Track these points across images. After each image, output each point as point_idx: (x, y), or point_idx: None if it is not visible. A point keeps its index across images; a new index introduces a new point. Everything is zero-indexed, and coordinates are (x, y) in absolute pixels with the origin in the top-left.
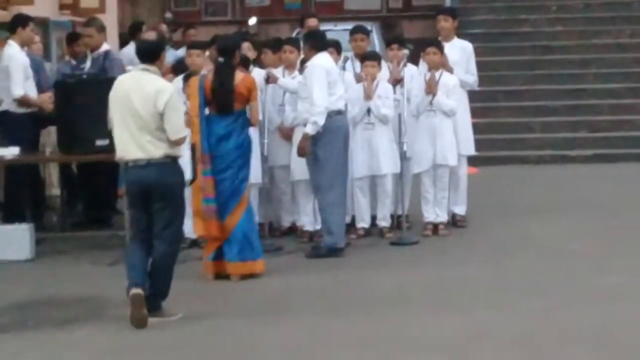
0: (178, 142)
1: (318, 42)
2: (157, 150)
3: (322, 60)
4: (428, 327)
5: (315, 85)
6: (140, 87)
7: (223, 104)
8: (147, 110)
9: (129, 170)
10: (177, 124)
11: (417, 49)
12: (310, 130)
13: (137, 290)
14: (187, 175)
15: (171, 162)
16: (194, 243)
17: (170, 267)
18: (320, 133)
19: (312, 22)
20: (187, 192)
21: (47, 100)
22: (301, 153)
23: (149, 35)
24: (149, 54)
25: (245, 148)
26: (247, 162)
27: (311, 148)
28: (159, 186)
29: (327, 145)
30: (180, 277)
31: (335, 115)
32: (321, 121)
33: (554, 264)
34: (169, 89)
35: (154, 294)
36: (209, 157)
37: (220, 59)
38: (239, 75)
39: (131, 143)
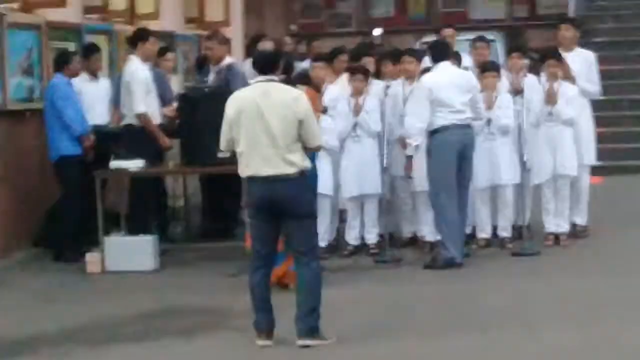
0: (317, 149)
1: (437, 53)
2: (289, 168)
3: (431, 75)
4: (548, 342)
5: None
6: (273, 97)
7: None
8: (284, 119)
9: (258, 184)
10: (316, 130)
11: (542, 58)
12: (408, 151)
13: (266, 343)
14: (328, 187)
15: (303, 176)
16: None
17: (319, 285)
18: (428, 150)
19: (447, 32)
20: None
21: (169, 115)
22: (406, 175)
23: (266, 45)
24: (268, 64)
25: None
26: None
27: (427, 162)
28: (292, 203)
29: (434, 161)
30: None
31: (446, 130)
32: (414, 142)
33: None
34: (304, 95)
35: (307, 315)
36: None
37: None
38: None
39: (262, 160)
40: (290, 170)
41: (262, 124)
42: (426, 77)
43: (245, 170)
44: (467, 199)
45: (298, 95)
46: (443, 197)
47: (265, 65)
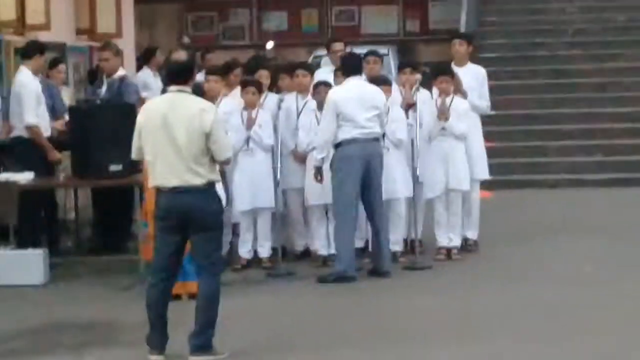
0: (225, 162)
1: (349, 68)
2: (196, 178)
3: (338, 89)
4: (439, 357)
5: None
6: (180, 108)
7: None
8: (191, 131)
9: (165, 195)
10: (224, 143)
11: (434, 73)
12: (315, 162)
13: (158, 358)
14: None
15: (210, 188)
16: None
17: (218, 300)
18: (333, 161)
19: (338, 46)
20: None
21: (60, 128)
22: (315, 181)
23: (179, 55)
24: (182, 74)
25: None
26: None
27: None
28: (199, 214)
29: (336, 175)
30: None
31: (349, 144)
32: (319, 155)
33: (568, 289)
34: (213, 107)
35: (201, 331)
36: None
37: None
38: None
39: (168, 171)
40: (197, 181)
41: (167, 134)
42: (333, 91)
43: (152, 180)
44: (379, 212)
45: (206, 107)
46: (342, 209)
47: (179, 75)
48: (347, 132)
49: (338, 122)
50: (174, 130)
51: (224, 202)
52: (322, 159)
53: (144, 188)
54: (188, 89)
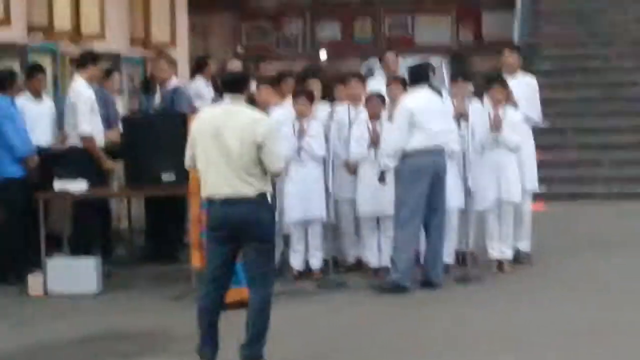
0: (277, 173)
1: (416, 77)
2: (249, 188)
3: (412, 98)
4: None
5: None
6: (233, 119)
7: None
8: (243, 141)
9: (217, 206)
10: (277, 155)
11: (486, 83)
12: (382, 166)
13: None
14: None
15: (263, 199)
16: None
17: (269, 311)
18: (399, 171)
19: (390, 56)
20: None
21: (113, 139)
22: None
23: (234, 64)
24: (237, 85)
25: None
26: None
27: (395, 184)
28: (251, 225)
29: (403, 184)
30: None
31: (419, 155)
32: (390, 163)
33: (620, 305)
34: (266, 118)
35: (252, 341)
36: None
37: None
38: None
39: (221, 180)
40: (250, 191)
41: (220, 144)
42: (407, 100)
43: (204, 189)
44: (441, 224)
45: (259, 118)
46: (406, 219)
47: (233, 85)
48: (418, 142)
49: (410, 132)
50: (227, 140)
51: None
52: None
53: (189, 197)
54: (242, 99)
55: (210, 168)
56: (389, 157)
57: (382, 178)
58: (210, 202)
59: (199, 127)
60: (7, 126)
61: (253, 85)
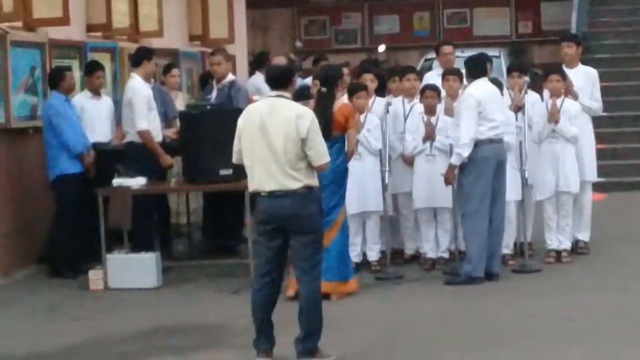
0: (322, 168)
1: (474, 70)
2: (294, 183)
3: (477, 88)
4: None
5: (463, 116)
6: (277, 114)
7: (321, 130)
8: (287, 136)
9: (264, 200)
10: (321, 149)
11: (545, 75)
12: (454, 160)
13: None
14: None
15: (309, 192)
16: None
17: (320, 304)
18: (466, 162)
19: (447, 49)
20: None
21: (172, 136)
22: (446, 182)
23: (279, 60)
24: (281, 80)
25: (339, 173)
26: (340, 187)
27: (459, 176)
28: (298, 218)
29: (470, 175)
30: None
31: (484, 145)
32: (465, 153)
33: None
34: (310, 113)
35: (306, 336)
36: None
37: (323, 89)
38: (337, 103)
39: (266, 175)
40: (295, 185)
41: (265, 139)
42: (474, 90)
43: (250, 184)
44: (501, 214)
45: (303, 113)
46: (474, 210)
47: (277, 80)
48: (484, 132)
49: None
50: (271, 135)
51: None
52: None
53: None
54: (287, 94)
55: (256, 163)
56: (465, 146)
57: (451, 173)
58: (258, 196)
59: (244, 122)
60: (61, 124)
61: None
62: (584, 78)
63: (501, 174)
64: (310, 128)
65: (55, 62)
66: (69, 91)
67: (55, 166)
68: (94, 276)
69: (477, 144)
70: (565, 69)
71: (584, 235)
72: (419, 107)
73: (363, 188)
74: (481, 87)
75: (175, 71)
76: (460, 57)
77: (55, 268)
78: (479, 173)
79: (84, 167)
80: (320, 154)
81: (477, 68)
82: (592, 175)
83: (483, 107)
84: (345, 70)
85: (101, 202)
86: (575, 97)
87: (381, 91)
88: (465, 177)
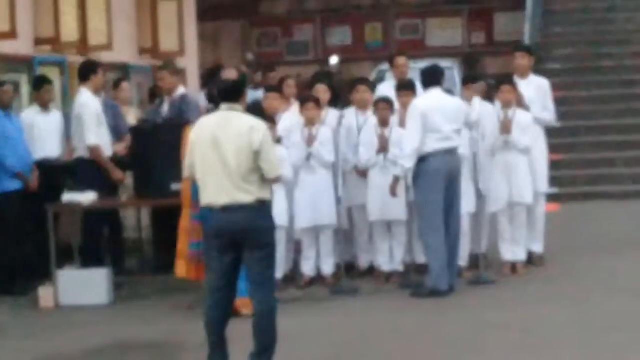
0: (275, 180)
1: (429, 79)
2: (247, 196)
3: (423, 99)
4: None
5: (408, 127)
6: (229, 127)
7: None
8: (240, 149)
9: (216, 214)
10: (273, 162)
11: (496, 85)
12: (397, 172)
13: None
14: (282, 218)
15: (262, 206)
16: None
17: (274, 319)
18: (417, 176)
19: (401, 60)
20: None
21: (121, 152)
22: (392, 194)
23: (230, 73)
24: (233, 93)
25: None
26: None
27: (413, 190)
28: (251, 232)
29: (421, 189)
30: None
31: (433, 157)
32: (407, 164)
33: (635, 304)
34: (263, 125)
35: (261, 351)
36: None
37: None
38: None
39: (219, 189)
40: (248, 199)
41: (217, 152)
42: (418, 102)
43: (202, 198)
44: (457, 226)
45: (255, 125)
46: (429, 224)
47: (229, 93)
48: (432, 145)
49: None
50: (224, 148)
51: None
52: (406, 169)
53: (182, 207)
54: (239, 107)
55: (208, 177)
56: (407, 158)
57: (395, 185)
58: (210, 210)
59: (196, 136)
60: None
61: (261, 94)
62: (535, 89)
63: (455, 186)
64: (263, 140)
65: (3, 76)
66: (4, 106)
67: None
68: (44, 293)
69: (427, 156)
70: (517, 80)
71: (538, 247)
72: (372, 119)
73: (316, 201)
74: (428, 98)
75: (125, 85)
76: (413, 68)
77: (2, 286)
78: (430, 186)
79: (24, 184)
80: (274, 166)
81: (432, 78)
82: (545, 186)
83: (429, 119)
84: (291, 82)
85: (51, 218)
86: (527, 109)
87: (334, 103)
88: (417, 191)
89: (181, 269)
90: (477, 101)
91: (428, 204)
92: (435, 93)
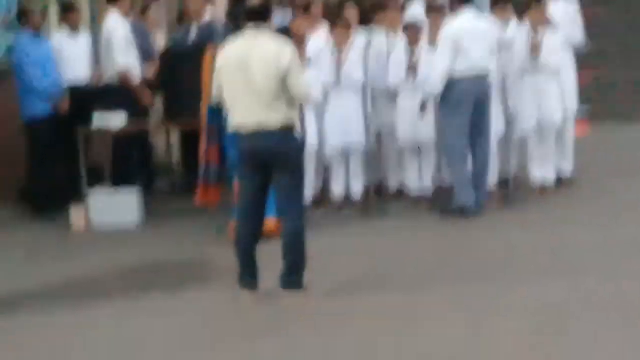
0: (305, 100)
1: (457, 1)
2: (275, 119)
3: (456, 21)
4: (534, 294)
5: (438, 50)
6: (257, 50)
7: None
8: (269, 71)
9: (244, 138)
10: (302, 84)
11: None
12: (424, 95)
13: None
14: (312, 140)
15: (290, 129)
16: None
17: (304, 240)
18: (445, 97)
19: None
20: None
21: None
22: (420, 118)
23: None
24: (260, 14)
25: None
26: None
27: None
28: (279, 154)
29: (446, 110)
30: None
31: (462, 81)
32: (435, 89)
33: None
34: (290, 48)
35: (291, 271)
36: (215, 127)
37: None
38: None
39: (247, 112)
40: (276, 122)
41: (245, 76)
42: (451, 25)
43: (232, 121)
44: (485, 150)
45: (283, 48)
46: (452, 146)
47: (256, 14)
48: (461, 69)
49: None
50: (252, 71)
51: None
52: (434, 94)
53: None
54: (266, 27)
55: (237, 100)
56: (436, 83)
57: (423, 107)
58: (238, 134)
59: (224, 59)
60: (26, 65)
61: (289, 14)
62: (564, 10)
63: (483, 110)
64: (291, 63)
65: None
66: (36, 29)
67: (25, 108)
68: (76, 214)
69: (455, 81)
70: (546, 1)
71: (568, 167)
72: (402, 41)
73: (345, 123)
74: (461, 21)
75: (153, 8)
76: None
77: (36, 209)
78: (455, 109)
79: (55, 109)
80: (303, 88)
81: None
82: (574, 105)
83: (461, 43)
84: (318, 2)
85: (82, 141)
86: (555, 29)
87: (364, 24)
88: (442, 114)
89: (201, 194)
90: (514, 23)
91: (450, 126)
92: (467, 16)
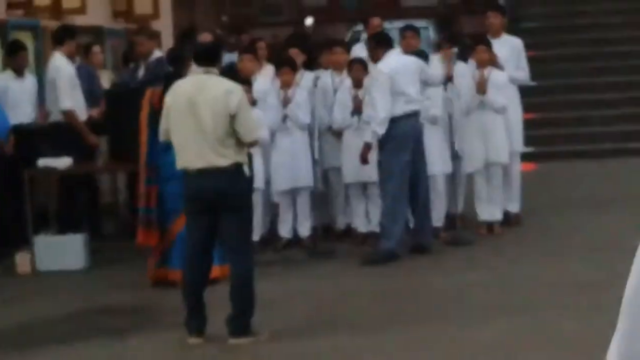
0: (253, 144)
1: (383, 42)
2: (223, 160)
3: (386, 62)
4: (486, 332)
5: (377, 92)
6: (206, 90)
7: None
8: (217, 113)
9: (192, 178)
10: (250, 125)
11: (470, 46)
12: (369, 138)
13: (197, 341)
14: (259, 181)
15: (238, 169)
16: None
17: (252, 283)
18: (384, 140)
19: (375, 21)
20: None
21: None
22: (362, 161)
23: (205, 37)
24: (209, 56)
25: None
26: None
27: (378, 153)
28: (227, 196)
29: (389, 153)
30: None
31: (401, 121)
32: (381, 130)
33: (612, 263)
34: (239, 89)
35: (238, 314)
36: (154, 167)
37: (170, 69)
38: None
39: (195, 153)
40: (224, 163)
41: (193, 117)
42: (383, 66)
43: (178, 162)
44: (425, 187)
45: (232, 89)
46: (395, 186)
47: (205, 56)
48: (399, 108)
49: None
50: (200, 112)
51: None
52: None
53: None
54: (215, 70)
55: (184, 141)
56: (380, 123)
57: (367, 151)
58: (186, 174)
59: (172, 100)
60: None
61: (235, 56)
62: (509, 48)
63: (420, 149)
64: (240, 104)
65: None
66: None
67: None
68: (21, 259)
69: (395, 120)
70: (491, 40)
71: (514, 206)
72: (347, 80)
73: (293, 164)
74: (391, 61)
75: (96, 48)
76: (389, 29)
77: None
78: (398, 150)
79: (1, 150)
80: (251, 129)
81: (384, 40)
82: (520, 145)
83: (395, 81)
84: (262, 44)
85: (27, 183)
86: (501, 68)
87: (309, 65)
88: (384, 155)
89: (140, 235)
90: (460, 64)
91: (394, 169)
92: (395, 54)
